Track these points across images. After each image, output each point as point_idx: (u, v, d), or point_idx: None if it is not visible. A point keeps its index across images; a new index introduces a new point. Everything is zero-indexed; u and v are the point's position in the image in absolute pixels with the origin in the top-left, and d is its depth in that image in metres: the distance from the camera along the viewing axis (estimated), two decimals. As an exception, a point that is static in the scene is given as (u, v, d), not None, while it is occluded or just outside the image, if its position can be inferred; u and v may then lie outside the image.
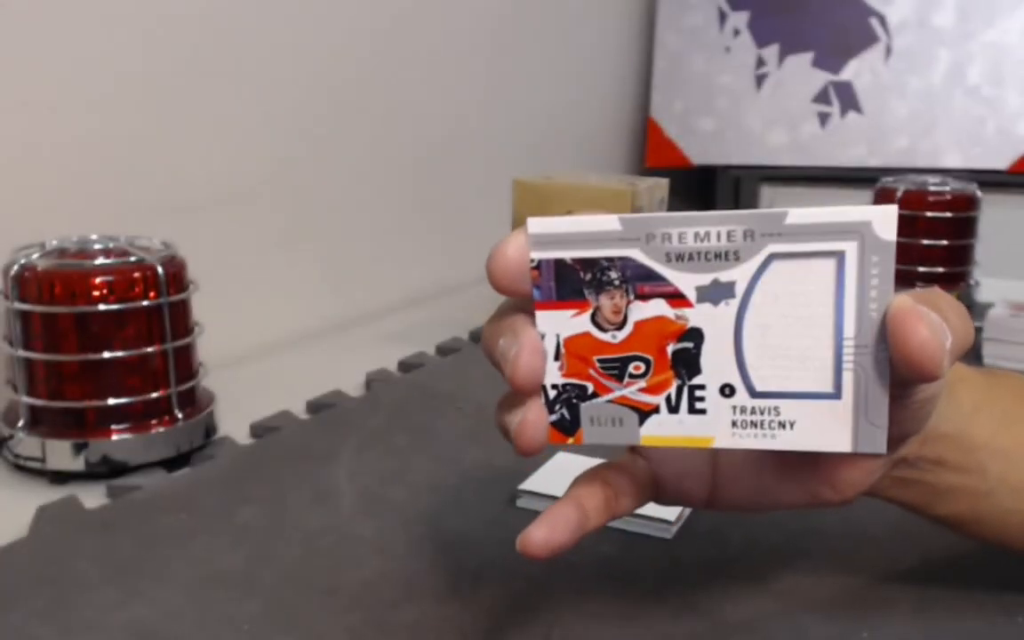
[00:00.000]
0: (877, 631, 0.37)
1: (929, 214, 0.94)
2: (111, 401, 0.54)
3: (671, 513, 0.45)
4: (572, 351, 0.29)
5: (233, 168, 0.81)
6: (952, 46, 1.35)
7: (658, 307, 0.29)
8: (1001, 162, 1.32)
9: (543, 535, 0.31)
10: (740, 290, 0.28)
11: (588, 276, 0.29)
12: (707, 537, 0.45)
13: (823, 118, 1.41)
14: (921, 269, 0.94)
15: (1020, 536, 0.36)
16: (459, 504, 0.49)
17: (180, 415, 0.56)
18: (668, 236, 0.28)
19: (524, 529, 0.31)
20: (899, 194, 0.94)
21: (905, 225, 0.95)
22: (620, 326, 0.29)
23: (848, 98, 1.40)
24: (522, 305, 0.30)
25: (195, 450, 0.57)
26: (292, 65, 0.85)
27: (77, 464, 0.53)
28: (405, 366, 0.76)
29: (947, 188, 0.95)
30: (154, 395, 0.55)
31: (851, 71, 1.40)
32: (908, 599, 0.40)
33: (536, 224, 0.29)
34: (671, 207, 0.81)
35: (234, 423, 0.62)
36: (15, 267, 0.53)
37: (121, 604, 0.39)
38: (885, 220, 0.27)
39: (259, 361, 0.79)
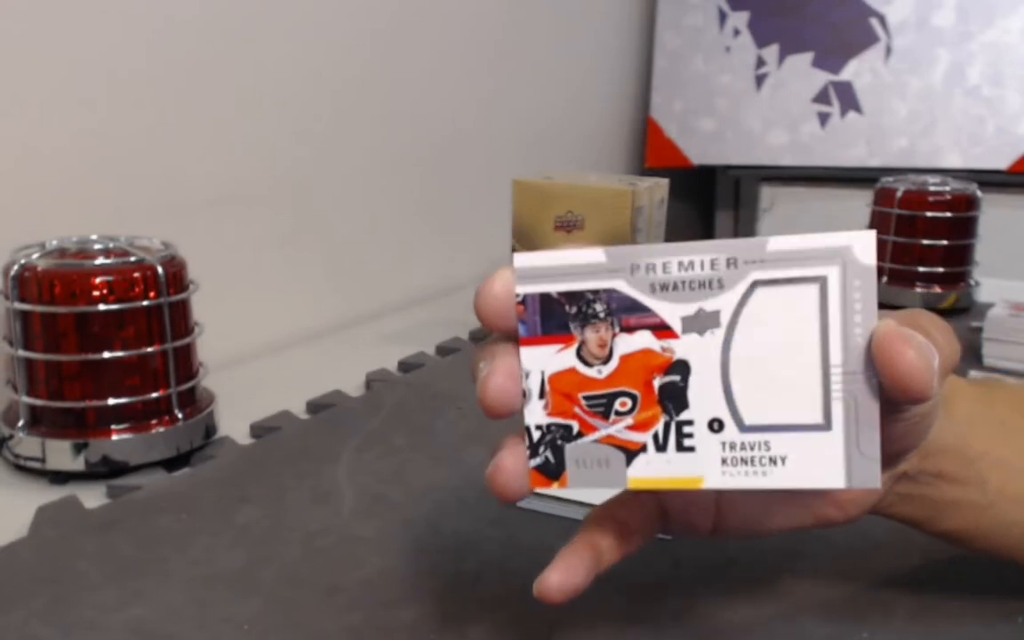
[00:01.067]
0: (877, 633, 0.37)
1: (929, 214, 0.94)
2: (111, 401, 0.54)
3: (671, 513, 0.45)
4: (557, 388, 0.29)
5: (233, 168, 0.81)
6: (952, 46, 1.35)
7: (644, 339, 0.28)
8: (1001, 162, 1.32)
9: (559, 580, 0.31)
10: (725, 319, 0.28)
11: (573, 310, 0.28)
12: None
13: (823, 118, 1.41)
14: (921, 269, 0.94)
15: (1022, 547, 0.36)
16: (459, 504, 0.49)
17: (180, 415, 0.56)
18: (652, 266, 0.28)
19: (540, 574, 0.32)
20: (899, 194, 0.94)
21: (905, 225, 0.95)
22: (606, 360, 0.29)
23: (848, 98, 1.40)
24: (510, 338, 0.30)
25: (195, 450, 0.57)
26: (292, 65, 0.85)
27: (77, 464, 0.53)
28: (405, 366, 0.76)
29: (947, 188, 0.95)
30: (154, 395, 0.55)
31: (851, 71, 1.40)
32: (908, 601, 0.40)
33: (522, 259, 0.29)
34: (671, 207, 0.81)
35: (234, 423, 0.62)
36: (15, 267, 0.53)
37: (121, 604, 0.39)
38: (865, 244, 0.27)
39: (259, 361, 0.79)
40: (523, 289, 0.29)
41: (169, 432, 0.55)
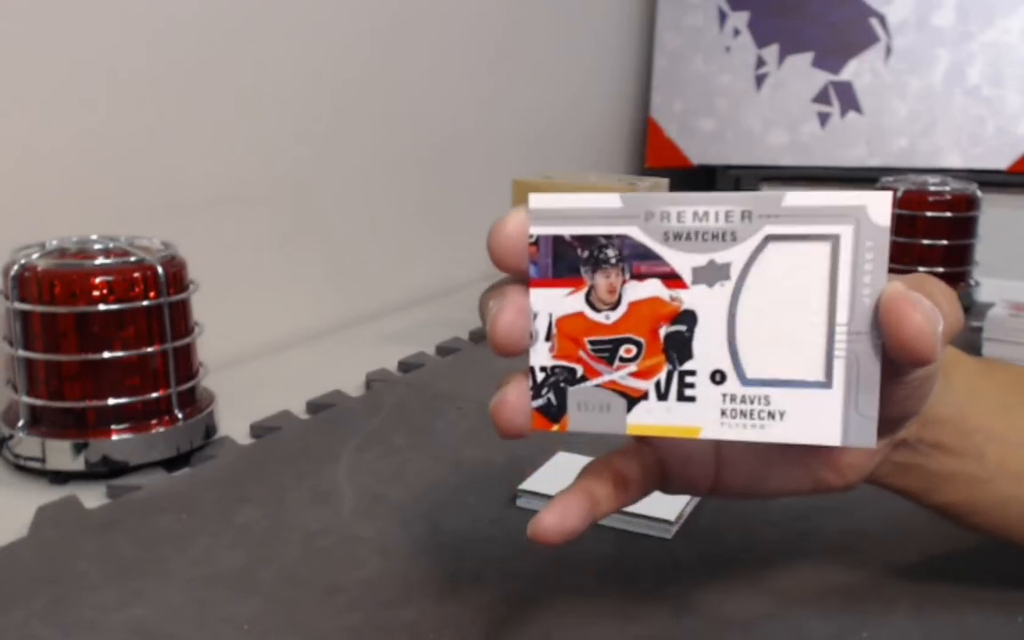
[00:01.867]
0: (876, 630, 0.37)
1: (929, 214, 0.94)
2: (111, 401, 0.54)
3: (671, 513, 0.45)
4: (564, 331, 0.29)
5: (233, 168, 0.81)
6: (952, 46, 1.35)
7: (653, 287, 0.28)
8: (1001, 162, 1.31)
9: (555, 520, 0.31)
10: (735, 272, 0.28)
11: (585, 254, 0.28)
12: (706, 537, 0.45)
13: (823, 118, 1.41)
14: (921, 269, 0.94)
15: (1020, 525, 0.36)
16: (459, 504, 0.49)
17: (180, 415, 0.56)
18: (667, 215, 0.28)
19: (534, 517, 0.31)
20: (899, 194, 0.94)
21: (905, 225, 0.95)
22: (614, 306, 0.29)
23: (848, 98, 1.40)
24: (522, 279, 0.30)
25: (195, 450, 0.57)
26: (292, 65, 0.85)
27: (77, 464, 0.53)
28: (405, 366, 0.76)
29: (947, 188, 0.95)
30: (154, 395, 0.55)
31: (851, 71, 1.40)
32: (907, 598, 0.40)
33: (537, 199, 0.28)
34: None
35: (234, 423, 0.62)
36: (15, 267, 0.53)
37: (121, 604, 0.39)
38: (880, 205, 0.27)
39: (259, 361, 0.79)
40: (536, 230, 0.29)
41: (169, 432, 0.55)
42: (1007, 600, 0.39)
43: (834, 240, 0.27)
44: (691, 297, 0.28)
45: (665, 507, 0.46)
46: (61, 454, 0.53)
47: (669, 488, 0.36)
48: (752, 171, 1.46)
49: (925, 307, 0.27)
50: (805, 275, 0.27)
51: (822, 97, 1.41)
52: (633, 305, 0.29)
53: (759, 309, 0.28)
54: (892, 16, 1.38)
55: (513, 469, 0.51)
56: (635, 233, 0.28)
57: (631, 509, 0.45)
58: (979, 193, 0.95)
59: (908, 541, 0.44)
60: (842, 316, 0.27)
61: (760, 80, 1.44)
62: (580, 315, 0.29)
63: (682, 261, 0.28)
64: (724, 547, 0.44)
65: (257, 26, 0.81)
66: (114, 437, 0.54)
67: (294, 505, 0.49)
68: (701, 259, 0.28)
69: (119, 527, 0.47)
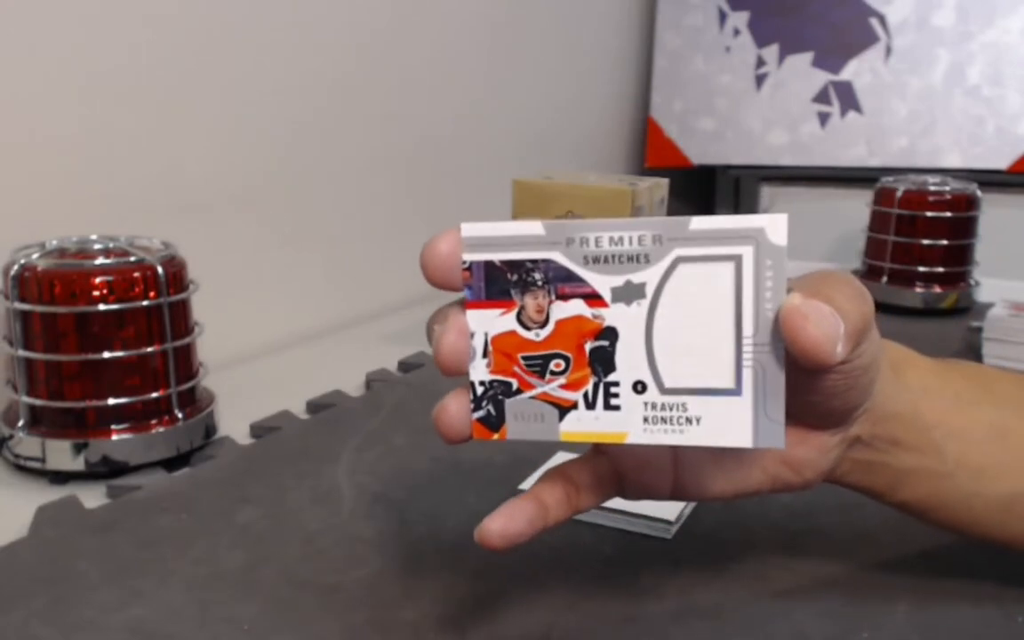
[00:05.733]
0: (877, 631, 0.37)
1: (929, 214, 0.94)
2: (111, 401, 0.54)
3: (671, 513, 0.45)
4: (499, 348, 0.31)
5: (233, 168, 0.81)
6: (952, 46, 1.35)
7: (577, 307, 0.31)
8: (1001, 162, 1.31)
9: (499, 525, 0.33)
10: (650, 291, 0.30)
11: (514, 277, 0.31)
12: (707, 537, 0.45)
13: (823, 118, 1.41)
14: (921, 269, 0.94)
15: (984, 521, 0.37)
16: (459, 504, 0.50)
17: (180, 415, 0.56)
18: (586, 240, 0.30)
19: (481, 521, 0.33)
20: (899, 194, 0.94)
21: (905, 225, 0.95)
22: (543, 325, 0.31)
23: (848, 98, 1.40)
24: (461, 301, 0.32)
25: (195, 450, 0.57)
26: (292, 64, 0.85)
27: (77, 464, 0.53)
28: (405, 366, 0.76)
29: (947, 188, 0.95)
30: (154, 395, 0.55)
31: (851, 71, 1.39)
32: (908, 599, 0.40)
33: (469, 228, 0.31)
34: (671, 207, 0.81)
35: (234, 423, 0.62)
36: (15, 267, 0.53)
37: (121, 604, 0.39)
38: (777, 226, 0.29)
39: (259, 361, 0.79)
40: (469, 257, 0.31)
41: (169, 432, 0.55)
42: (1006, 599, 0.39)
43: (737, 260, 0.29)
44: (612, 315, 0.30)
45: (665, 507, 0.46)
46: (61, 454, 0.53)
47: (627, 494, 0.36)
48: (752, 171, 1.46)
49: (819, 316, 0.28)
50: (713, 292, 0.30)
51: (822, 97, 1.41)
52: (560, 323, 0.31)
53: (673, 324, 0.30)
54: (892, 16, 1.38)
55: (513, 469, 0.51)
56: (558, 257, 0.30)
57: (631, 509, 0.46)
58: (979, 193, 0.95)
59: (908, 541, 0.44)
60: (748, 329, 0.29)
61: (760, 80, 1.44)
62: (513, 333, 0.31)
63: (601, 282, 0.30)
64: (724, 547, 0.44)
65: (256, 25, 0.81)
66: (114, 437, 0.54)
67: (294, 505, 0.49)
68: (619, 280, 0.30)
69: (119, 527, 0.47)
